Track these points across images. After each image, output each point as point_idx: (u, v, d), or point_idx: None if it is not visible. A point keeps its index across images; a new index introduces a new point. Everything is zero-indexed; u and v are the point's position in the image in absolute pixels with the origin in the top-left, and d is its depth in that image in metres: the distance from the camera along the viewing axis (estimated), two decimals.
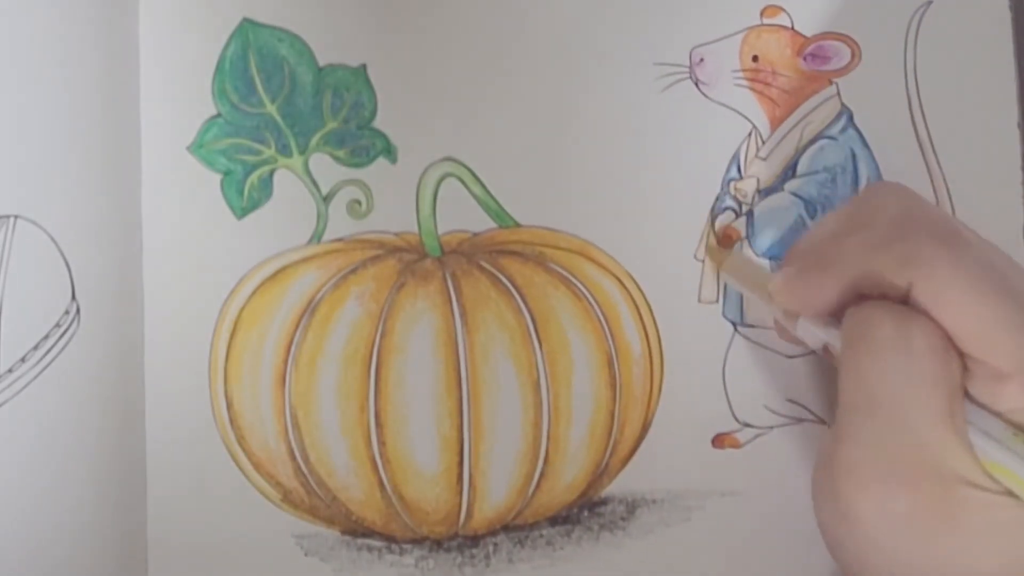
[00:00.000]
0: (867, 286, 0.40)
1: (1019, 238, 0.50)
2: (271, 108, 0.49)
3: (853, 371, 0.39)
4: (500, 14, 0.50)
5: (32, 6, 0.45)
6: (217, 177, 0.49)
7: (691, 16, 0.51)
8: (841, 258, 0.41)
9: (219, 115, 0.49)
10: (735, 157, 0.51)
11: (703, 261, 0.51)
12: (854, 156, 0.50)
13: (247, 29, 0.49)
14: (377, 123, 0.50)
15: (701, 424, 0.50)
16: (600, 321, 0.50)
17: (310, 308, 0.49)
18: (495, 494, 0.49)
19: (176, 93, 0.49)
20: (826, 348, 0.44)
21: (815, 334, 0.43)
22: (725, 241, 0.51)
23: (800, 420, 0.50)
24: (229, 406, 0.49)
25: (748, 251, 0.50)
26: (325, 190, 0.49)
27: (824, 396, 0.50)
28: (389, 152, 0.50)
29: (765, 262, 0.50)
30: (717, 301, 0.51)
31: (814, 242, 0.44)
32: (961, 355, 0.38)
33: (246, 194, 0.49)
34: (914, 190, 0.43)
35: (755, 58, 0.51)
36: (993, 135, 0.51)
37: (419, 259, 0.50)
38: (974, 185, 0.50)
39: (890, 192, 0.43)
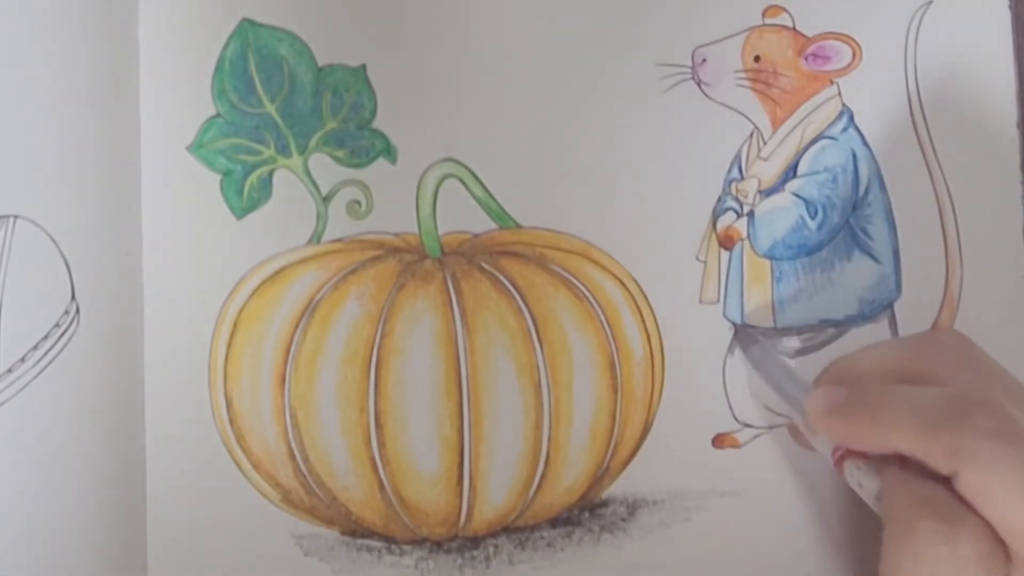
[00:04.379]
0: (907, 454, 0.40)
1: (1019, 238, 0.50)
2: (271, 108, 0.49)
3: (895, 566, 0.39)
4: (501, 14, 0.50)
5: (32, 6, 0.45)
6: (217, 177, 0.49)
7: (693, 16, 0.51)
8: (890, 419, 0.41)
9: (219, 115, 0.49)
10: (736, 157, 0.51)
11: (704, 262, 0.51)
12: (855, 156, 0.50)
13: (247, 29, 0.49)
14: (377, 123, 0.50)
15: (701, 424, 0.50)
16: (602, 323, 0.50)
17: (310, 308, 0.49)
18: (495, 495, 0.49)
19: (176, 93, 0.49)
20: (838, 459, 0.44)
21: (848, 469, 0.43)
22: (727, 242, 0.50)
23: None
24: (229, 406, 0.49)
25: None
26: (325, 190, 0.49)
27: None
28: (389, 152, 0.50)
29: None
30: (718, 302, 0.51)
31: (861, 370, 0.44)
32: (1005, 545, 0.38)
33: (246, 194, 0.49)
34: (978, 350, 0.44)
35: (757, 58, 0.51)
36: (993, 135, 0.51)
37: (419, 260, 0.50)
38: (974, 185, 0.50)
39: (955, 350, 0.43)
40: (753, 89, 0.51)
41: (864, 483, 0.42)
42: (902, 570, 0.39)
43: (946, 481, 0.39)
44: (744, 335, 0.50)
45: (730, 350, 0.50)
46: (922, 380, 0.43)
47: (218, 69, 0.49)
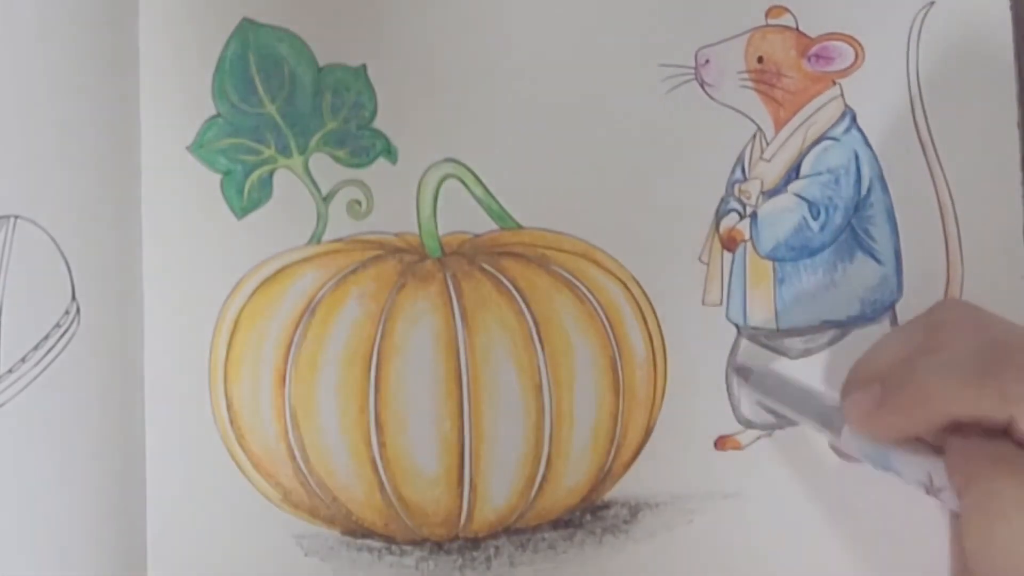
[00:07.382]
0: (959, 416, 0.39)
1: (1019, 238, 0.50)
2: (271, 108, 0.49)
3: (981, 535, 0.37)
4: (502, 14, 0.50)
5: (32, 7, 0.45)
6: (217, 177, 0.49)
7: (696, 17, 0.51)
8: (928, 390, 0.40)
9: (219, 115, 0.49)
10: (740, 159, 0.51)
11: (707, 263, 0.50)
12: (857, 157, 0.50)
13: (247, 29, 0.49)
14: (377, 123, 0.50)
15: (703, 427, 0.50)
16: (604, 324, 0.50)
17: (310, 308, 0.49)
18: (496, 496, 0.49)
19: (176, 93, 0.49)
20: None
21: (902, 462, 0.42)
22: (730, 243, 0.50)
23: None
24: (229, 406, 0.49)
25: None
26: (325, 190, 0.49)
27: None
28: (389, 152, 0.50)
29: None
30: (721, 303, 0.51)
31: (882, 365, 0.43)
32: None
33: (246, 194, 0.49)
34: (985, 311, 0.43)
35: (760, 59, 0.51)
36: (993, 135, 0.51)
37: (419, 260, 0.49)
38: (975, 185, 0.50)
39: (963, 314, 0.43)
40: (756, 90, 0.51)
41: (935, 476, 0.40)
42: (989, 535, 0.37)
43: (1004, 435, 0.38)
44: (742, 369, 0.50)
45: (739, 373, 0.50)
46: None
47: (218, 69, 0.49)
